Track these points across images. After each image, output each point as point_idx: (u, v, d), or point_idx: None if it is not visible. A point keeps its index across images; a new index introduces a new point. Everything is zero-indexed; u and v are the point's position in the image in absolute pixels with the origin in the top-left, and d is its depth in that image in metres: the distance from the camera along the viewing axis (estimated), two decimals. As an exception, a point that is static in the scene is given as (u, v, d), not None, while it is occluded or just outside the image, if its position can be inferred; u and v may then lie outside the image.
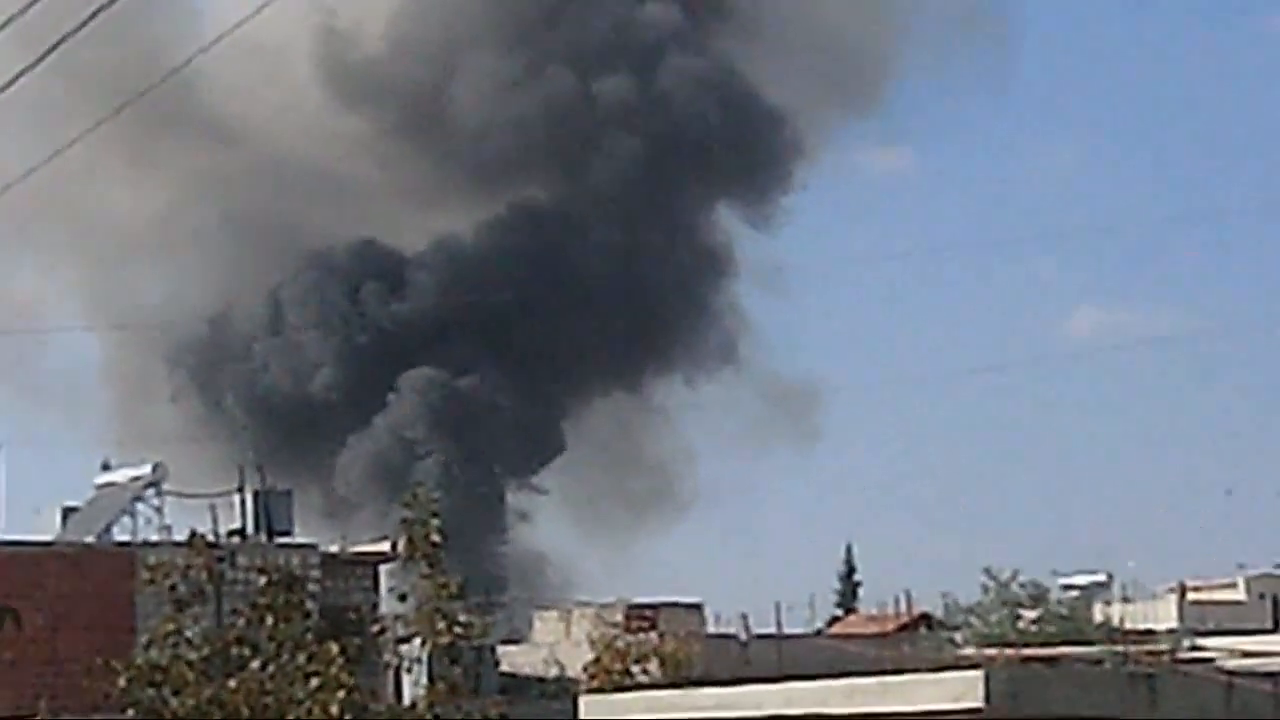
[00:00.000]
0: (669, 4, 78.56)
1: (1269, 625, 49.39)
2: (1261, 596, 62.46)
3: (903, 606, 57.85)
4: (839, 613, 79.49)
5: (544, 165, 79.05)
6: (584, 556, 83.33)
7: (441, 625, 30.80)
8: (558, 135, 77.25)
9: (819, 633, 56.80)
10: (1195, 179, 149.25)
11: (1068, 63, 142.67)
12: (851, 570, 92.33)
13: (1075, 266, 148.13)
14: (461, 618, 32.25)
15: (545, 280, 74.85)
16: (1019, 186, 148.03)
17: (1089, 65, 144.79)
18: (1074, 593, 62.43)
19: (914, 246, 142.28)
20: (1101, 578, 73.98)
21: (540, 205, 78.59)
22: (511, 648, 51.60)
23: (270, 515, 52.78)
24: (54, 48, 16.43)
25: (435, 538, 32.43)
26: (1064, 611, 50.39)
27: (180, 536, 48.19)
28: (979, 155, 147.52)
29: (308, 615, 28.32)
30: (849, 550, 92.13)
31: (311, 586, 32.59)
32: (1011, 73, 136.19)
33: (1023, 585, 51.02)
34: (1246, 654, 25.89)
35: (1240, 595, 64.37)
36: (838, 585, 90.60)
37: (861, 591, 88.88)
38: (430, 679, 30.89)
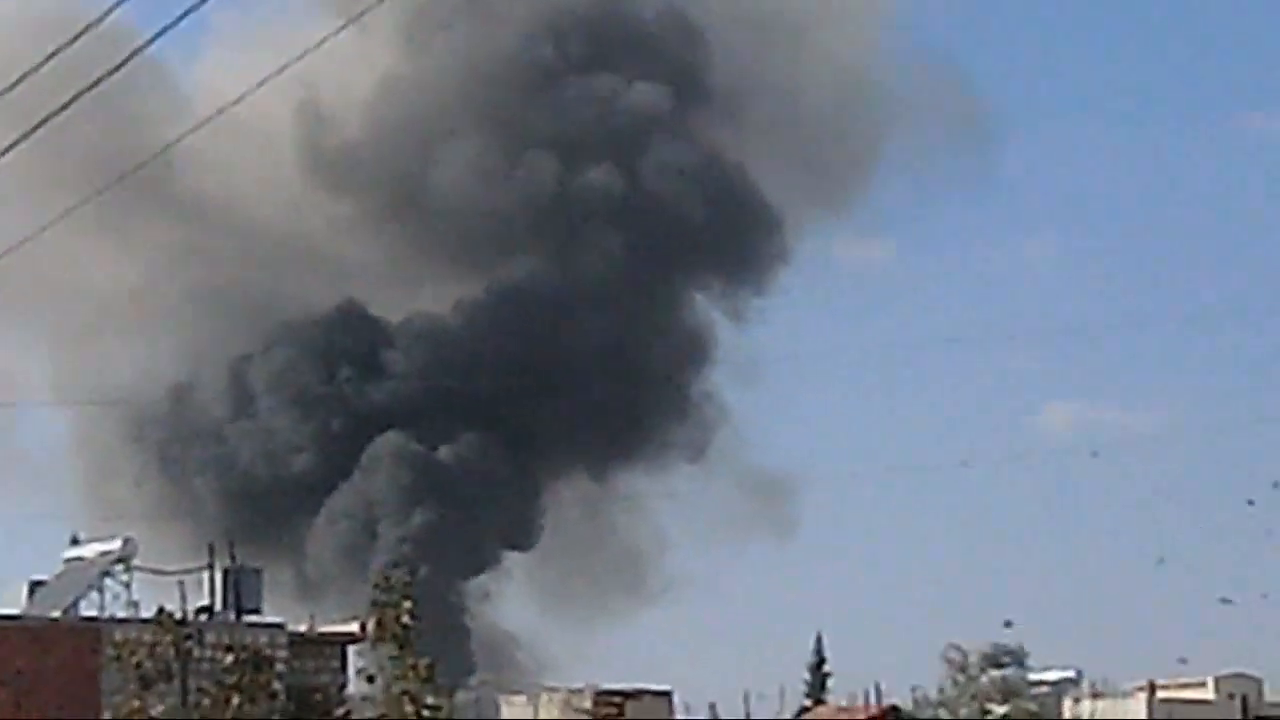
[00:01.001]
0: (653, 86, 78.71)
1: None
2: (1231, 696, 62.32)
3: (872, 699, 57.67)
4: (808, 703, 79.15)
5: (525, 249, 79.14)
6: (553, 639, 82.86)
7: (409, 708, 30.67)
8: (540, 221, 77.42)
9: (789, 723, 56.54)
10: (1172, 276, 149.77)
11: (1047, 159, 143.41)
12: (821, 660, 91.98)
13: (1050, 362, 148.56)
14: (429, 700, 32.12)
15: (523, 362, 74.82)
16: (996, 281, 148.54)
17: (1068, 162, 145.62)
18: (1044, 688, 62.25)
19: (892, 339, 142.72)
20: (1072, 674, 73.84)
21: (520, 288, 78.57)
22: (479, 732, 51.32)
23: (240, 593, 52.52)
24: (38, 126, 16.40)
25: (406, 619, 32.35)
26: (1034, 707, 50.25)
27: (148, 613, 48.00)
28: (958, 249, 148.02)
29: (274, 695, 28.20)
30: (819, 640, 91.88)
31: (279, 666, 32.47)
32: (991, 168, 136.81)
33: (993, 680, 50.89)
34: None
35: (1209, 695, 64.21)
36: (807, 675, 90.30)
37: (831, 682, 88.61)
38: (396, 762, 30.70)
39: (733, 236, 79.79)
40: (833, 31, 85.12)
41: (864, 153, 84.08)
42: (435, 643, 42.18)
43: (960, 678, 53.00)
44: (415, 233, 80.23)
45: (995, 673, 50.81)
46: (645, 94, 77.98)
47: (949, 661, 50.65)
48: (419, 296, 79.70)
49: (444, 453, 75.08)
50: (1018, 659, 52.71)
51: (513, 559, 79.16)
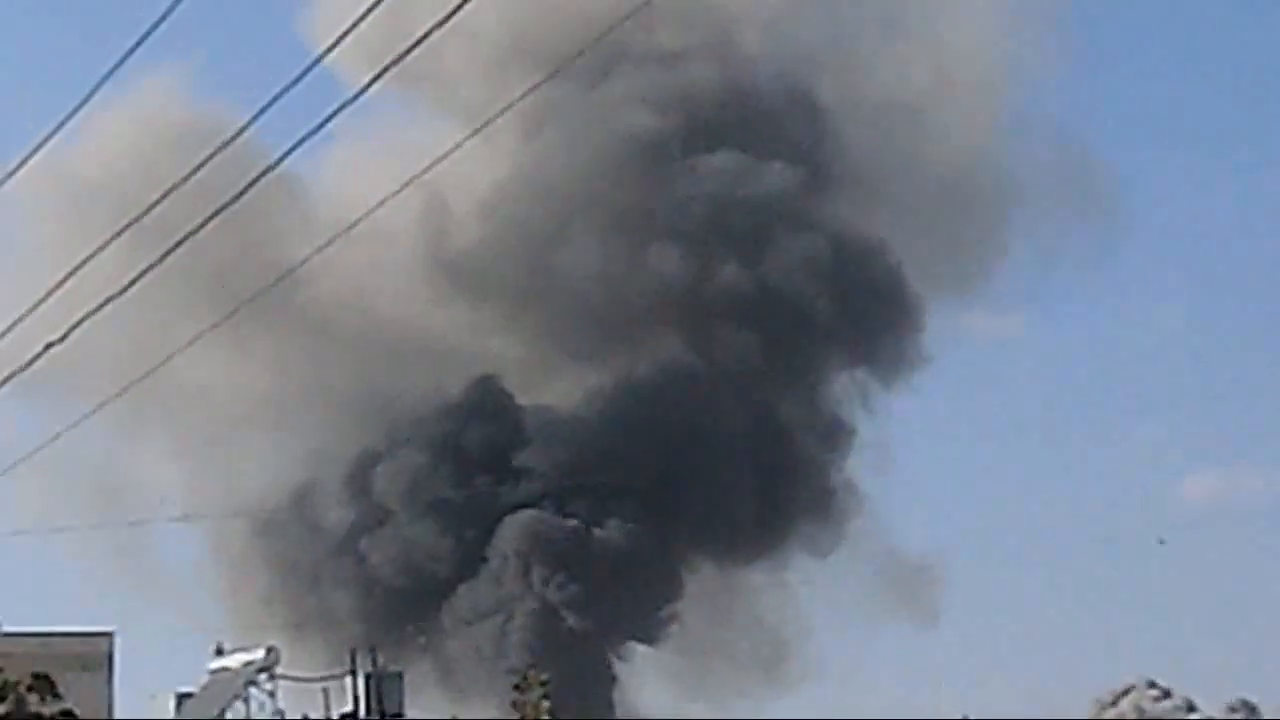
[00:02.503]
0: (783, 166, 78.15)
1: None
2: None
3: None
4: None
5: (656, 342, 78.95)
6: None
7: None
8: (669, 313, 77.25)
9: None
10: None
11: (1173, 224, 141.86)
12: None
13: (1185, 430, 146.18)
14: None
15: (659, 453, 74.59)
16: (1129, 350, 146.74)
17: (1193, 226, 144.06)
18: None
19: (1026, 415, 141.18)
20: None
21: (654, 380, 78.27)
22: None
23: (382, 697, 52.58)
24: (174, 247, 16.51)
25: (545, 717, 32.21)
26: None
27: (293, 721, 47.88)
28: (1089, 319, 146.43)
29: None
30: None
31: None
32: (1117, 237, 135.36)
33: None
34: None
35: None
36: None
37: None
38: None
39: (870, 324, 79.38)
40: (951, 110, 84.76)
41: (990, 229, 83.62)
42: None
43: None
44: (542, 330, 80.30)
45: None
46: (776, 174, 77.58)
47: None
48: (548, 394, 79.69)
49: (582, 534, 74.58)
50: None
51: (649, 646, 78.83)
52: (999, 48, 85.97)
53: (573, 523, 74.41)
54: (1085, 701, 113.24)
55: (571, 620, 73.06)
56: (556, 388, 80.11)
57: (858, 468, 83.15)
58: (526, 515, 73.68)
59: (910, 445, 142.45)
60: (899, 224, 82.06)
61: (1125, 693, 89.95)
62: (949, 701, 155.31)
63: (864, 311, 79.21)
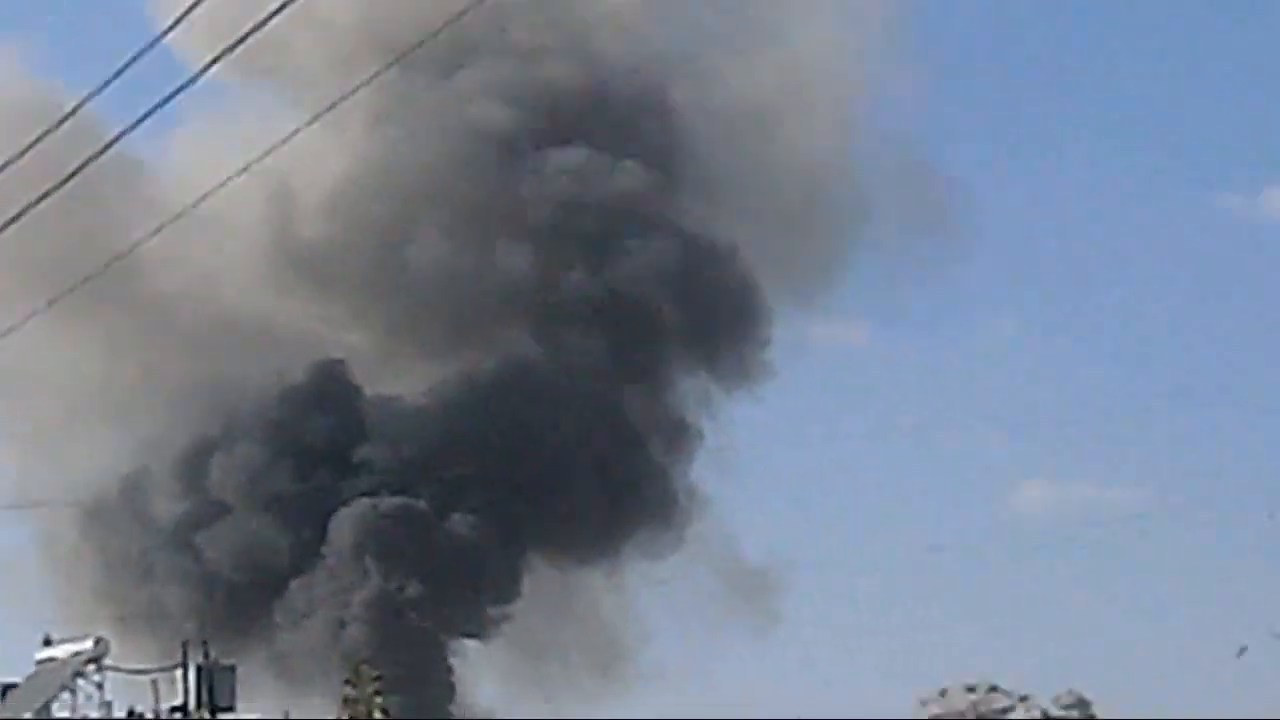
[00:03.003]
0: (636, 165, 78.07)
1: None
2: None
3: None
4: (788, 792, 78.35)
5: (502, 338, 78.67)
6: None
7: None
8: (515, 311, 77.03)
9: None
10: (1155, 357, 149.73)
11: (1014, 240, 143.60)
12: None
13: (1022, 443, 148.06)
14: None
15: (502, 450, 74.29)
16: (974, 362, 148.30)
17: (1036, 243, 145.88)
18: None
19: (866, 424, 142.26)
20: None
21: (499, 376, 77.95)
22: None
23: (213, 690, 51.98)
24: (10, 222, 16.13)
25: (378, 715, 31.90)
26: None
27: (121, 713, 47.30)
28: (930, 329, 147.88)
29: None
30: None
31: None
32: (961, 251, 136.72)
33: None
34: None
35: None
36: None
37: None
38: None
39: (717, 330, 79.61)
40: (803, 121, 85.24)
41: (837, 237, 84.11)
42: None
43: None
44: (388, 324, 79.85)
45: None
46: (627, 174, 77.50)
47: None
48: (395, 388, 79.18)
49: (420, 527, 74.00)
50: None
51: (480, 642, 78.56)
52: (853, 56, 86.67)
53: (413, 511, 73.93)
54: (916, 700, 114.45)
55: (408, 614, 72.64)
56: (403, 382, 79.71)
57: (701, 472, 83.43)
58: (363, 505, 73.04)
59: (753, 451, 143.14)
60: (748, 230, 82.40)
61: (965, 691, 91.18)
62: (787, 703, 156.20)
63: (712, 316, 79.42)
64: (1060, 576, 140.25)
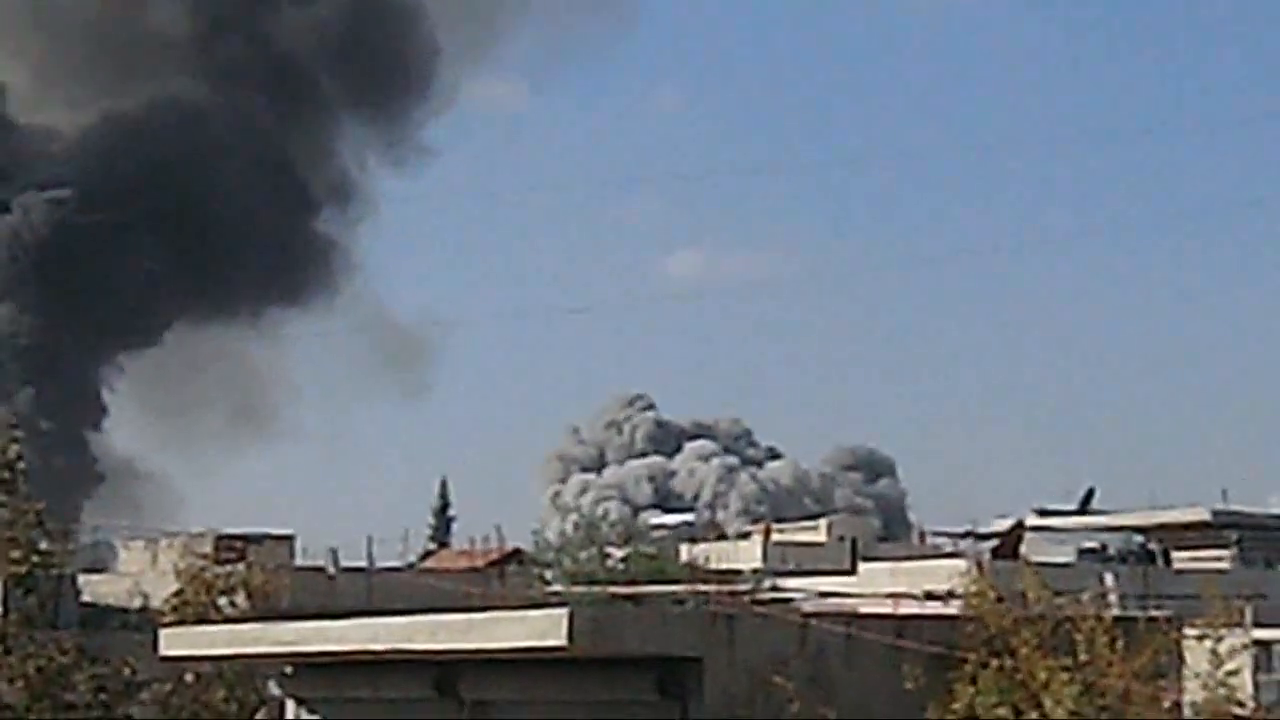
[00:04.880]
0: None
1: (847, 566, 50.71)
2: (841, 539, 64.22)
3: (494, 543, 58.16)
4: (432, 547, 79.65)
5: (162, 85, 77.33)
6: (172, 478, 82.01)
7: (18, 554, 29.99)
8: (173, 61, 75.71)
9: (411, 567, 56.71)
10: (813, 127, 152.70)
11: (677, 12, 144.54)
12: (446, 505, 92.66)
13: (676, 209, 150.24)
14: (42, 545, 31.43)
15: (164, 190, 73.31)
16: (628, 129, 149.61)
17: (708, 10, 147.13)
18: (664, 532, 63.43)
19: (524, 184, 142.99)
20: (690, 517, 75.38)
21: (158, 116, 76.62)
22: (95, 576, 50.52)
23: None
24: None
25: (13, 458, 31.49)
26: (651, 551, 51.14)
27: None
28: (591, 97, 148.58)
29: None
30: (444, 485, 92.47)
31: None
32: (625, 20, 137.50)
33: (613, 525, 51.69)
34: (823, 594, 26.56)
35: (821, 537, 66.12)
36: (432, 520, 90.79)
37: (455, 527, 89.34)
38: (4, 610, 30.02)
39: (380, 89, 79.12)
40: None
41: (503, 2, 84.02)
42: (49, 484, 41.39)
43: (580, 520, 53.76)
44: (37, 65, 78.10)
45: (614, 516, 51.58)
46: None
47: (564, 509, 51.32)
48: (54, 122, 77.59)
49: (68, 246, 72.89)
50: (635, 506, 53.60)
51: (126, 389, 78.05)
52: None
53: (61, 239, 72.85)
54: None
55: (53, 337, 71.73)
56: (60, 117, 78.16)
57: (357, 234, 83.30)
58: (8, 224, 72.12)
59: (409, 214, 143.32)
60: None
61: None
62: (429, 462, 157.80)
63: (375, 78, 78.90)
64: (710, 339, 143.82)
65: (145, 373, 79.18)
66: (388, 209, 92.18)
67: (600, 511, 61.71)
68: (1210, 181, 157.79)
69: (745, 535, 65.89)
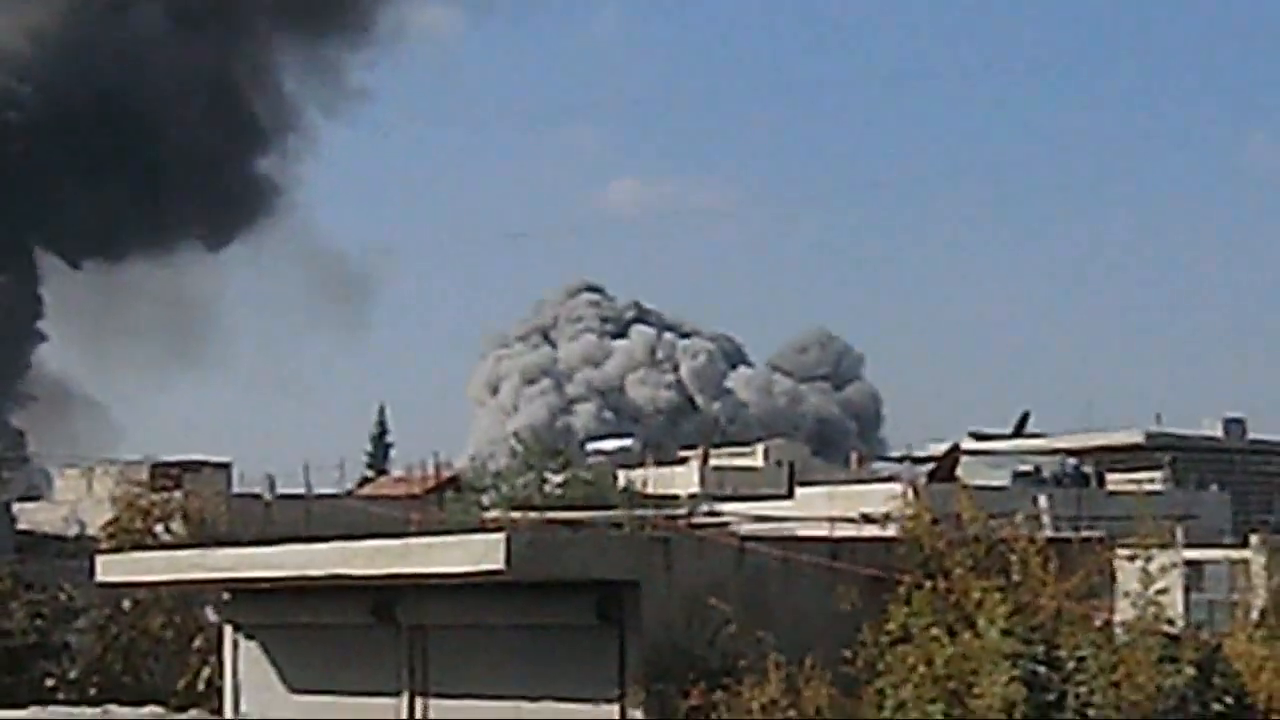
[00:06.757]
0: None
1: (783, 491, 50.87)
2: (779, 463, 64.41)
3: (431, 469, 58.07)
4: (369, 474, 79.51)
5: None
6: (108, 408, 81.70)
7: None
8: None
9: (349, 494, 56.64)
10: (751, 55, 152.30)
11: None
12: (384, 432, 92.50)
13: (615, 138, 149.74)
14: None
15: (103, 111, 72.84)
16: (570, 57, 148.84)
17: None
18: (601, 458, 63.49)
19: (464, 111, 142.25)
20: (627, 443, 75.48)
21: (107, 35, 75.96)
22: (30, 504, 50.32)
23: None
24: None
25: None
26: (589, 476, 51.16)
27: None
28: (532, 24, 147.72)
29: None
30: (382, 412, 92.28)
31: None
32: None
33: (553, 454, 51.63)
34: (759, 518, 26.69)
35: (758, 462, 66.29)
36: (369, 447, 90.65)
37: (393, 453, 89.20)
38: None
39: (317, 13, 78.69)
40: None
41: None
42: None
43: (518, 448, 53.73)
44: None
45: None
46: None
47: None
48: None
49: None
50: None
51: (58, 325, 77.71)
52: None
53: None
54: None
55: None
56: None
57: (297, 166, 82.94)
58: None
59: (348, 142, 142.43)
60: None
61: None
62: (366, 392, 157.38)
63: (313, 5, 78.45)
64: (646, 269, 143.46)
65: (81, 299, 78.86)
66: (327, 141, 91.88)
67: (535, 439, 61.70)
68: (1154, 109, 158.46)
69: (682, 461, 65.99)
